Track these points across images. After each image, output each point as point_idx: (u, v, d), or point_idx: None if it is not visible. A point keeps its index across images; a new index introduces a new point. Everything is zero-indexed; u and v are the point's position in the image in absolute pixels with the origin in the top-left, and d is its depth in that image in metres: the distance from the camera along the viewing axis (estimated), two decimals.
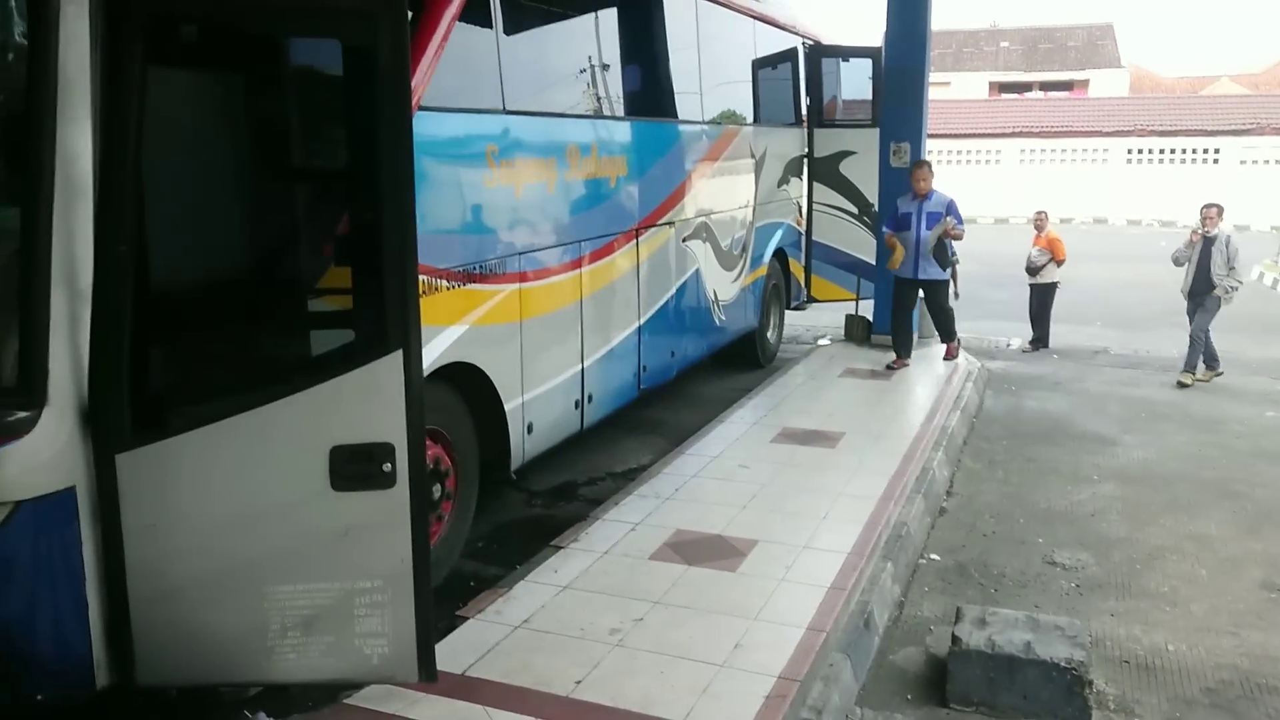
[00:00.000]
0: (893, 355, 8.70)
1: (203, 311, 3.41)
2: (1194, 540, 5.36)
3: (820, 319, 11.38)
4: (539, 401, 5.24)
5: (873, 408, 7.47)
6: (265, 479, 3.02)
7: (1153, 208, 28.70)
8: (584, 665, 3.63)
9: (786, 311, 9.84)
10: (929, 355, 8.96)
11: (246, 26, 3.28)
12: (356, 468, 2.97)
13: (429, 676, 3.18)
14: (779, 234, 9.14)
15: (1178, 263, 9.11)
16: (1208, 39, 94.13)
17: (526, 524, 5.46)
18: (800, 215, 9.75)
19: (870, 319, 9.75)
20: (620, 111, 6.29)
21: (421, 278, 3.78)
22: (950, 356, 8.80)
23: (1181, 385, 8.79)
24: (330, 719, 3.32)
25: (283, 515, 3.02)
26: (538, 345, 5.19)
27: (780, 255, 9.25)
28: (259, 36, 3.43)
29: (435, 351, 4.29)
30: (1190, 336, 8.91)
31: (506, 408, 4.92)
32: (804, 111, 9.66)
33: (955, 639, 3.74)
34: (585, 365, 5.75)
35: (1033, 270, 10.58)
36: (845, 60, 10.01)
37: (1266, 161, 29.13)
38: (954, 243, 8.44)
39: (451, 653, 3.65)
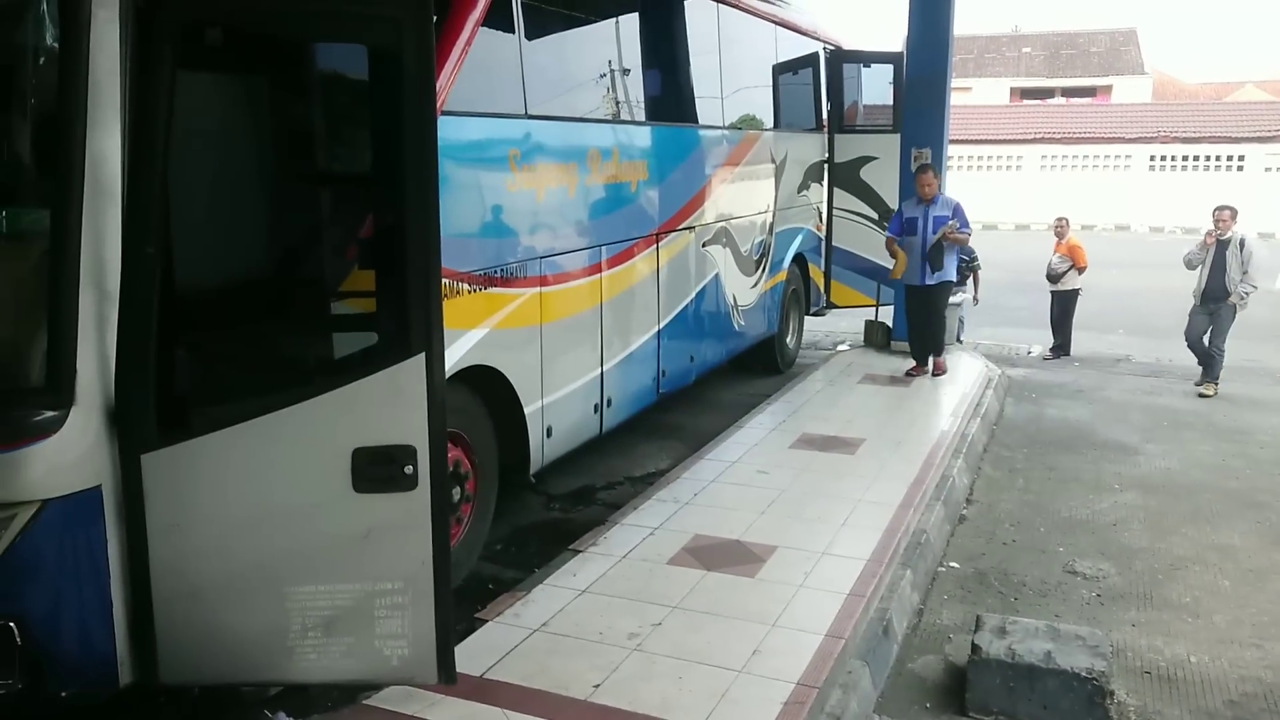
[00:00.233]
0: (912, 362, 8.67)
1: (228, 313, 3.43)
2: (1217, 551, 5.31)
3: (840, 325, 11.36)
4: (558, 405, 5.26)
5: (892, 414, 7.44)
6: (288, 480, 3.04)
7: (1176, 215, 28.38)
8: (602, 669, 3.64)
9: (806, 317, 9.82)
10: (948, 362, 8.91)
11: (273, 31, 3.31)
12: (378, 470, 2.98)
13: (448, 678, 3.19)
14: (799, 239, 9.12)
15: (1190, 265, 8.94)
16: (1232, 45, 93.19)
17: (545, 527, 5.47)
18: (820, 220, 9.72)
19: (890, 325, 9.72)
20: (641, 116, 6.31)
21: (443, 281, 3.79)
22: (938, 372, 8.54)
23: (1203, 396, 8.71)
24: (350, 719, 3.35)
25: (305, 516, 3.04)
26: (557, 349, 5.21)
27: (800, 260, 9.24)
28: (285, 41, 3.46)
29: (456, 354, 4.32)
30: (1209, 351, 8.78)
31: (526, 411, 4.94)
32: (824, 117, 9.63)
33: (975, 647, 3.72)
34: (604, 369, 5.76)
35: (1053, 277, 10.51)
36: (866, 65, 9.97)
37: None
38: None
39: (470, 655, 3.66)
